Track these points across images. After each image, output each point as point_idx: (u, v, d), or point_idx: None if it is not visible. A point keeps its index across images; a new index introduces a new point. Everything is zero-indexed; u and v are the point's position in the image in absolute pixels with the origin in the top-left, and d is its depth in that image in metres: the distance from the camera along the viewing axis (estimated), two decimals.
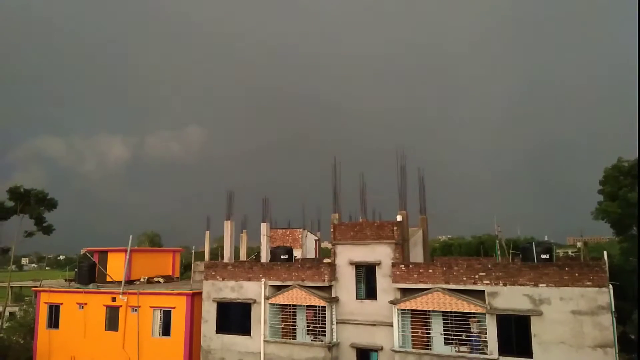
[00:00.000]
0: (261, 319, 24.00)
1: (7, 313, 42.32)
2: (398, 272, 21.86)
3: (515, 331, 19.57)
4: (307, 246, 37.02)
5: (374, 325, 22.25)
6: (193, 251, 34.44)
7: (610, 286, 18.62)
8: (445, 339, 20.74)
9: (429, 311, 21.06)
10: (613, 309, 18.44)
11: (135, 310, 27.34)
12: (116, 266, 30.78)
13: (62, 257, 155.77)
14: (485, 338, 19.93)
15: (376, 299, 22.45)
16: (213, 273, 25.68)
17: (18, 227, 40.62)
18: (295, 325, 23.65)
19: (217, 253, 32.50)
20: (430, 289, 20.97)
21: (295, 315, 23.71)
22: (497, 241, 28.54)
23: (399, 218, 23.27)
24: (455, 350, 20.38)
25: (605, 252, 19.71)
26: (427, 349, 20.92)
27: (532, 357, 19.10)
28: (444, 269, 21.20)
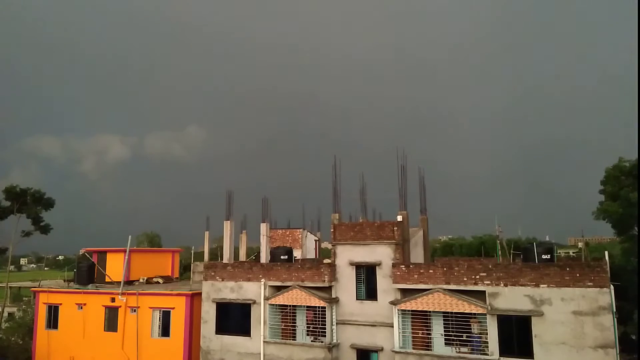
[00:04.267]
0: (261, 319, 23.89)
1: (5, 313, 42.16)
2: (398, 273, 21.77)
3: (516, 332, 19.47)
4: (307, 246, 36.93)
5: (374, 325, 22.16)
6: (192, 251, 34.38)
7: (612, 286, 18.55)
8: (445, 339, 20.64)
9: (430, 312, 20.97)
10: (614, 310, 18.36)
11: (135, 310, 27.24)
12: (115, 266, 30.70)
13: (61, 257, 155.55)
14: (486, 339, 19.84)
15: (376, 300, 22.34)
16: (212, 273, 25.58)
17: (15, 227, 40.51)
18: (295, 326, 23.55)
19: (216, 253, 32.46)
20: (431, 289, 20.88)
21: (295, 316, 23.61)
22: (498, 241, 28.50)
23: (399, 218, 23.18)
24: (456, 351, 20.29)
25: (606, 253, 19.63)
26: (428, 349, 20.82)
27: (532, 358, 19.01)
28: (445, 269, 21.11)
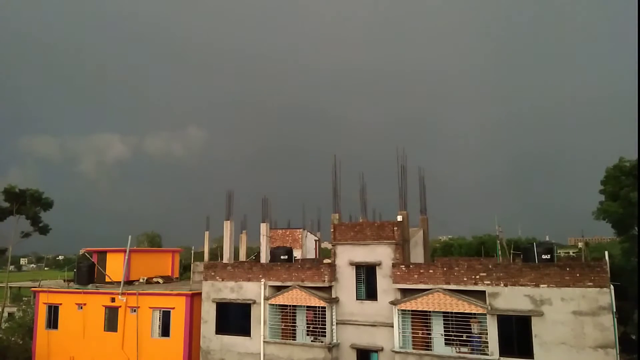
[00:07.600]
0: (261, 319, 23.89)
1: (5, 313, 42.16)
2: (398, 273, 21.76)
3: (516, 332, 19.47)
4: (307, 246, 36.93)
5: (374, 325, 22.15)
6: (192, 251, 34.35)
7: (612, 286, 18.54)
8: (445, 339, 20.63)
9: (430, 312, 20.96)
10: (614, 310, 18.35)
11: (135, 310, 27.24)
12: (115, 266, 30.68)
13: (61, 257, 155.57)
14: (486, 339, 19.83)
15: (376, 300, 22.34)
16: (212, 273, 25.58)
17: (14, 227, 40.48)
18: (295, 326, 23.55)
19: (216, 253, 32.42)
20: (431, 289, 20.87)
21: (295, 316, 23.61)
22: (498, 241, 28.45)
23: (399, 218, 23.17)
24: (456, 351, 20.28)
25: (606, 253, 19.62)
26: (428, 349, 20.82)
27: (532, 358, 18.99)
28: (445, 269, 21.10)
